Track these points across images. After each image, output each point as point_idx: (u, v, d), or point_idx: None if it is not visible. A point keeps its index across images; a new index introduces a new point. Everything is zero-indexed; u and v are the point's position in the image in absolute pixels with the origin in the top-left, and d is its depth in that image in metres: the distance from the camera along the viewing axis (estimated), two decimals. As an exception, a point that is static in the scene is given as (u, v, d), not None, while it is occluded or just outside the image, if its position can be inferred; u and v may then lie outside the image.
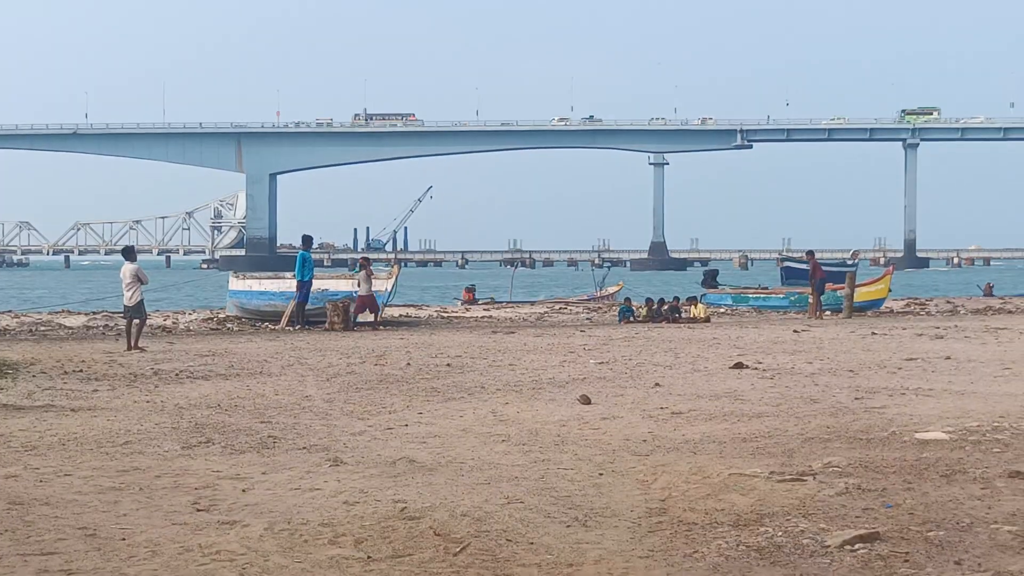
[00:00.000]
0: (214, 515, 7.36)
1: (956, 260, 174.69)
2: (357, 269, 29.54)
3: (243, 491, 8.08)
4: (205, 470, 8.85)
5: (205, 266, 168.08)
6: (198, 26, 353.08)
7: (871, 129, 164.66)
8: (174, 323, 28.40)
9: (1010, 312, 33.43)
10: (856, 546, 6.45)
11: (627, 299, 34.61)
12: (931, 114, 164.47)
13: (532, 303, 42.05)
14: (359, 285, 27.46)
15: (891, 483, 8.13)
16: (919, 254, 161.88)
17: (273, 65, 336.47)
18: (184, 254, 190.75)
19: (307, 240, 28.80)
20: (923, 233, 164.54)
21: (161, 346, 21.00)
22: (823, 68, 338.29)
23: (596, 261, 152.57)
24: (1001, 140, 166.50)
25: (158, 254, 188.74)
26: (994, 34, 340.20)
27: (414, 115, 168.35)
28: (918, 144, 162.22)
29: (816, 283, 32.16)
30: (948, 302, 40.03)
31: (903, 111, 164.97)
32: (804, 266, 39.12)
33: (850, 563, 6.19)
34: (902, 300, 40.81)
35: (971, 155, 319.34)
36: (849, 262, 56.36)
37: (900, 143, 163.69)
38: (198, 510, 7.51)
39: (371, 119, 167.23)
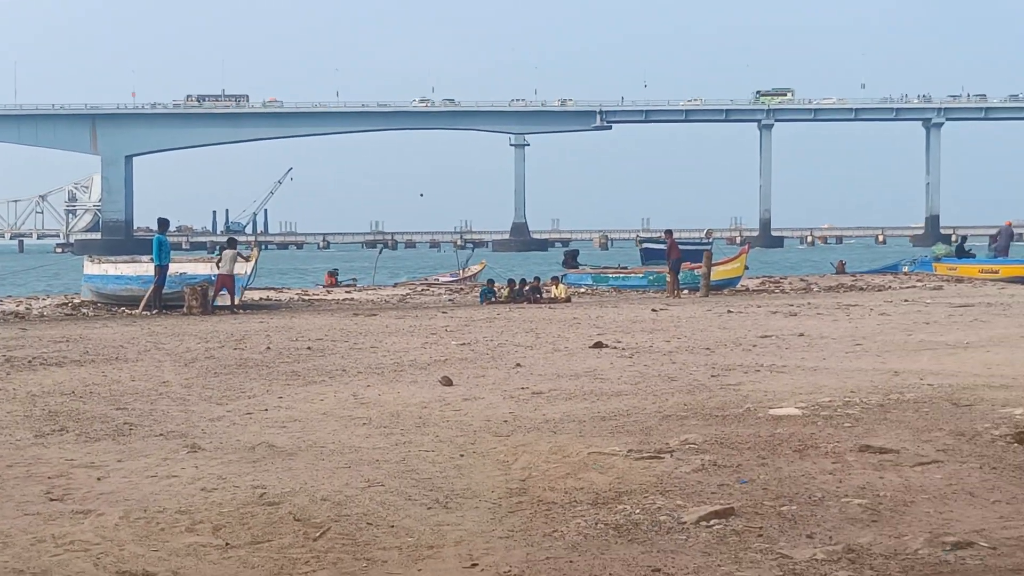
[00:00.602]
0: (68, 504, 7.21)
1: (810, 239, 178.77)
2: (217, 252, 29.14)
3: (98, 479, 7.92)
4: (59, 459, 8.66)
5: (59, 250, 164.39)
6: (50, 5, 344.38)
7: (727, 110, 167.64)
8: (27, 309, 27.67)
9: (861, 289, 34.28)
10: (712, 522, 6.57)
11: (489, 280, 34.69)
12: (785, 95, 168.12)
13: (395, 285, 41.93)
14: (217, 265, 27.18)
15: (746, 459, 8.29)
16: (774, 233, 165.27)
17: (128, 45, 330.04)
18: (38, 238, 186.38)
19: (163, 223, 28.27)
20: (778, 212, 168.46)
21: (13, 332, 20.47)
22: (680, 50, 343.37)
23: (458, 242, 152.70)
24: (853, 120, 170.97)
25: (10, 238, 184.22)
26: (846, 17, 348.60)
27: (247, 96, 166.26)
28: (773, 125, 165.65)
29: (672, 262, 32.64)
30: (802, 280, 40.89)
31: (758, 92, 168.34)
32: (662, 247, 39.84)
33: (706, 539, 6.30)
34: (757, 278, 41.57)
35: (824, 135, 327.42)
36: (704, 240, 57.26)
37: (755, 124, 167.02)
38: (51, 500, 7.35)
39: (203, 100, 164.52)
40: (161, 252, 26.48)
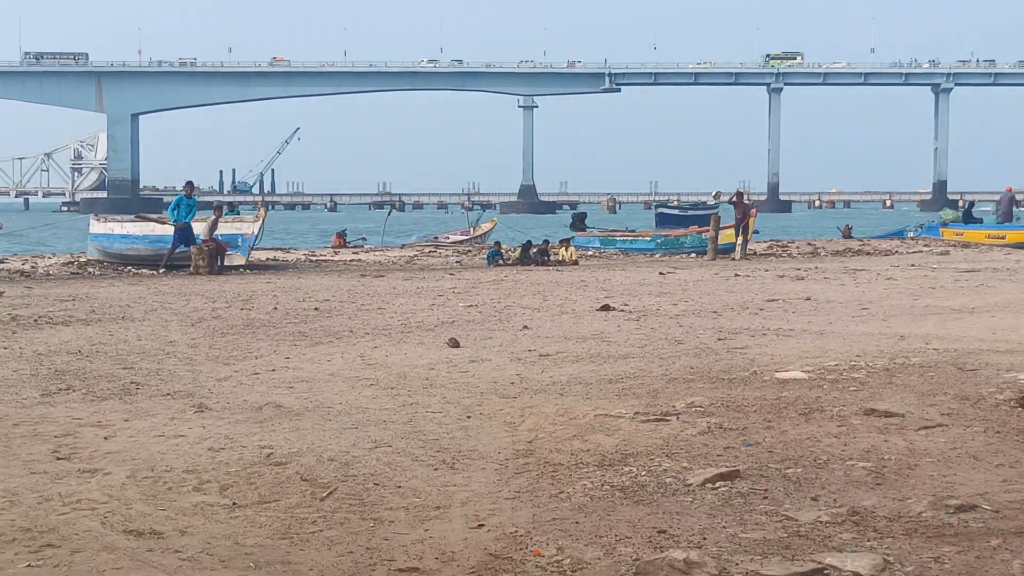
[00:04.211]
0: (75, 463, 7.24)
1: (817, 203, 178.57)
2: (228, 212, 29.31)
3: (105, 438, 7.95)
4: (65, 418, 8.69)
5: (65, 208, 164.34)
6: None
7: (736, 73, 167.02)
8: (33, 267, 27.72)
9: (868, 254, 34.24)
10: (717, 484, 6.58)
11: (496, 243, 34.64)
12: (795, 59, 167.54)
13: (402, 246, 41.93)
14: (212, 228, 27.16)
15: (751, 422, 8.30)
16: (782, 197, 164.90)
17: (134, 3, 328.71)
18: (43, 196, 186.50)
19: (188, 185, 28.64)
20: (786, 176, 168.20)
21: (19, 291, 20.50)
22: (690, 12, 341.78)
23: (466, 204, 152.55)
24: (862, 85, 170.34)
25: (16, 196, 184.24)
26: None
27: (86, 55, 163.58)
28: (782, 88, 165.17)
29: (737, 223, 32.84)
30: (809, 244, 40.85)
31: (767, 55, 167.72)
32: (677, 212, 40.38)
33: (711, 501, 6.32)
34: (765, 242, 41.54)
35: (833, 100, 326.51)
36: (710, 203, 57.16)
37: (764, 87, 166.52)
38: (58, 458, 7.37)
39: (41, 58, 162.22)
40: (178, 211, 26.87)
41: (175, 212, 27.22)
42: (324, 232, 70.86)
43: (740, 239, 32.76)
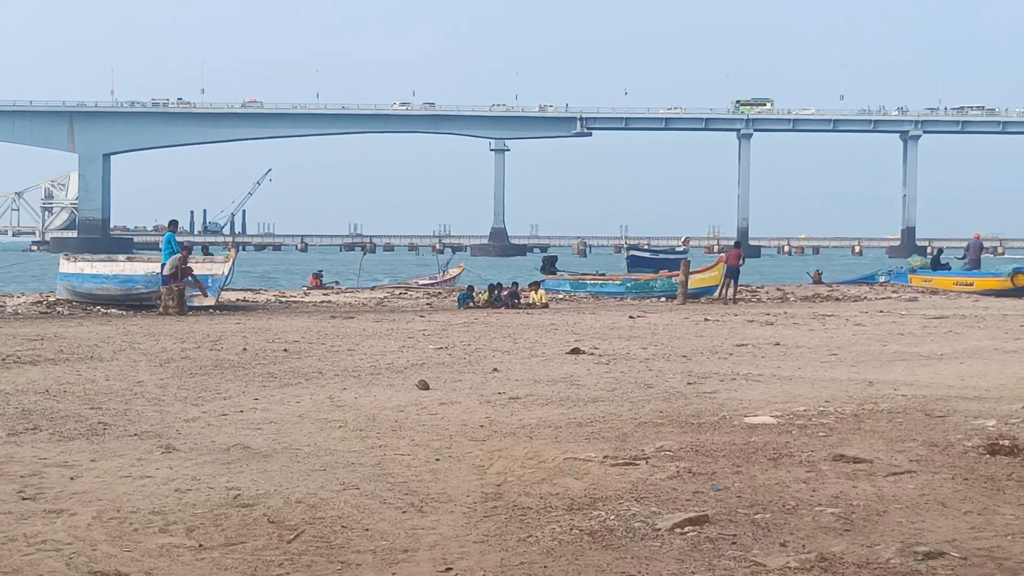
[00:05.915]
0: (40, 503, 7.18)
1: (787, 248, 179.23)
2: (202, 253, 29.42)
3: (71, 479, 7.89)
4: (31, 457, 8.62)
5: (35, 248, 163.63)
6: (28, 1, 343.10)
7: (707, 119, 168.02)
8: (1, 306, 27.55)
9: (837, 300, 34.40)
10: (686, 529, 6.58)
11: (469, 287, 34.67)
12: (764, 105, 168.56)
13: (372, 288, 41.95)
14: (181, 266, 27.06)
15: (721, 467, 8.31)
16: (751, 242, 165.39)
17: (107, 43, 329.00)
18: (13, 235, 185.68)
19: (172, 223, 28.74)
20: (755, 221, 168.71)
21: (-13, 330, 20.36)
22: (660, 58, 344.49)
23: (437, 246, 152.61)
24: (831, 131, 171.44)
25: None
26: (826, 29, 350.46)
27: None
28: (752, 134, 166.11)
29: (728, 269, 33.43)
30: (779, 289, 41.01)
31: (738, 102, 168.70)
32: (647, 254, 40.67)
33: (680, 546, 6.31)
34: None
35: (802, 146, 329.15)
36: (679, 248, 57.44)
37: (734, 133, 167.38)
38: (23, 499, 7.31)
39: None
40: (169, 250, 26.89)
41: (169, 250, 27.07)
42: (299, 273, 70.88)
43: (731, 283, 33.52)
